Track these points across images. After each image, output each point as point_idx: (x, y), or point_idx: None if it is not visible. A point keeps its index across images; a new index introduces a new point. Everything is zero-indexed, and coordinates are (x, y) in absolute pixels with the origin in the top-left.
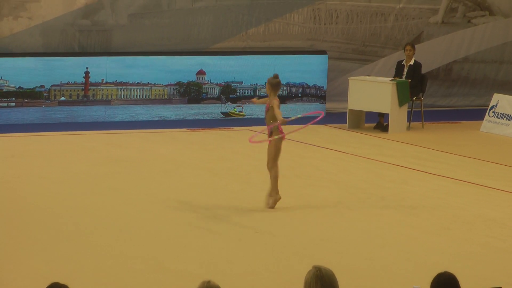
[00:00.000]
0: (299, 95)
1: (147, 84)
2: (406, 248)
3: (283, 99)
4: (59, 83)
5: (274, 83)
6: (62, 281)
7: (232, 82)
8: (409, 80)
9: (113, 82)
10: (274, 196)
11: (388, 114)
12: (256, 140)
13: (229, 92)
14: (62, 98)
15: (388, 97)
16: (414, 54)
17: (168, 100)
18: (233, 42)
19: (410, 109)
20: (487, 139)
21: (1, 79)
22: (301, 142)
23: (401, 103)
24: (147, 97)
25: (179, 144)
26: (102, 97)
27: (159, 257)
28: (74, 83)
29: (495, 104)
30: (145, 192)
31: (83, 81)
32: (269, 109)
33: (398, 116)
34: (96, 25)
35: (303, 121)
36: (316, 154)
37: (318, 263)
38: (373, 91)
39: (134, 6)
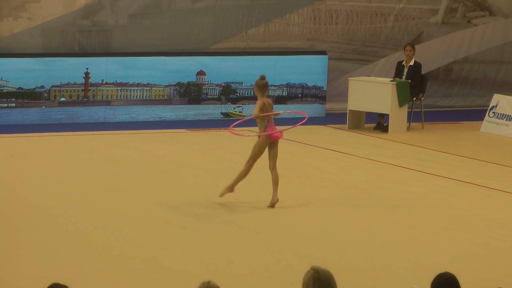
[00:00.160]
0: (299, 95)
1: (147, 85)
2: (406, 248)
3: (283, 100)
4: (59, 83)
5: (261, 85)
6: (62, 282)
7: (232, 82)
8: (409, 81)
9: (113, 82)
10: (228, 189)
11: (388, 114)
12: (236, 132)
13: (229, 93)
14: (62, 99)
15: (388, 97)
16: (414, 54)
17: (168, 101)
18: (233, 43)
19: (410, 110)
20: (487, 140)
21: (1, 79)
22: (301, 143)
23: (401, 104)
24: (147, 97)
25: (179, 145)
26: (102, 98)
27: (159, 257)
28: (74, 83)
29: (495, 104)
30: (145, 192)
31: (83, 82)
32: (272, 109)
33: (398, 116)
34: (96, 26)
35: (290, 122)
36: (316, 154)
37: (318, 263)
38: (373, 91)
39: (134, 6)
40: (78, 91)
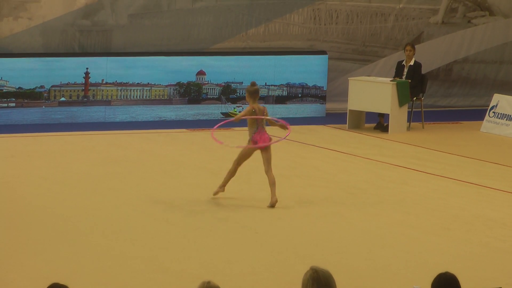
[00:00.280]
0: (299, 95)
1: (147, 85)
2: (406, 248)
3: (283, 100)
4: (59, 83)
5: (252, 91)
6: (62, 282)
7: (232, 82)
8: (409, 81)
9: (113, 82)
10: (220, 188)
11: (388, 114)
12: (217, 139)
13: (229, 93)
14: (62, 99)
15: (388, 97)
16: (414, 54)
17: (168, 101)
18: (233, 43)
19: (410, 110)
20: (487, 140)
21: (1, 79)
22: (301, 143)
23: (401, 104)
24: (147, 97)
25: (179, 145)
26: (102, 98)
27: (159, 257)
28: (74, 83)
29: (495, 104)
30: (145, 192)
31: (83, 82)
32: (264, 115)
33: (398, 116)
34: (96, 26)
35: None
36: (316, 154)
37: (318, 263)
38: (373, 91)
39: (134, 6)
40: (78, 91)
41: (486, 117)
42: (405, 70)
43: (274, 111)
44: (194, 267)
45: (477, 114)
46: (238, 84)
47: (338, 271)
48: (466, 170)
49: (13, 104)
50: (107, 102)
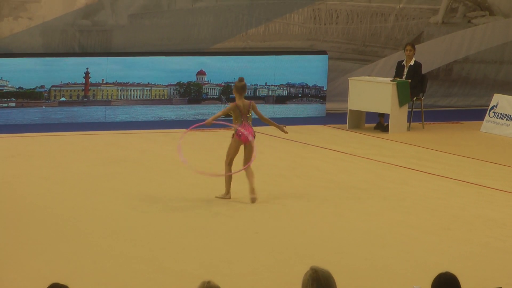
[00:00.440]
0: (299, 95)
1: (147, 85)
2: (406, 248)
3: (283, 99)
4: (59, 83)
5: (239, 87)
6: (62, 282)
7: (232, 82)
8: (410, 80)
9: (113, 82)
10: (225, 195)
11: (389, 114)
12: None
13: (229, 93)
14: (62, 99)
15: (389, 97)
16: (414, 54)
17: (168, 101)
18: (233, 42)
19: (411, 109)
20: (488, 140)
21: (1, 79)
22: (301, 143)
23: (401, 103)
24: (147, 97)
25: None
26: (102, 98)
27: (159, 257)
28: (74, 83)
29: (495, 104)
30: (145, 192)
31: (83, 82)
32: (249, 110)
33: (398, 116)
34: (96, 26)
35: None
36: (316, 154)
37: (318, 263)
38: (373, 91)
39: (134, 6)
40: (78, 91)
41: (486, 117)
42: (405, 70)
43: (274, 111)
44: (194, 267)
45: (477, 114)
46: None
47: (338, 271)
48: (466, 170)
49: (13, 104)
50: (107, 102)
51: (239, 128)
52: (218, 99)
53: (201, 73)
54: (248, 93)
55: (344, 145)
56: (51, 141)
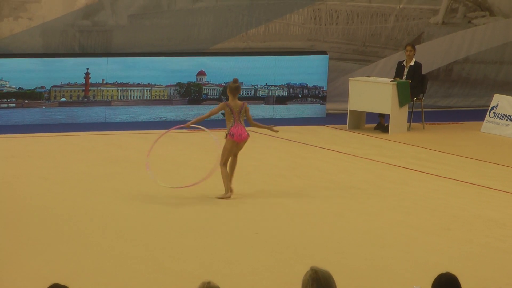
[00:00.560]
0: (300, 95)
1: (148, 85)
2: (406, 248)
3: (283, 100)
4: (60, 84)
5: (233, 88)
6: (62, 282)
7: None
8: (410, 81)
9: (113, 83)
10: (227, 194)
11: (389, 114)
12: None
13: None
14: (63, 99)
15: (389, 97)
16: (414, 54)
17: (168, 101)
18: (233, 43)
19: (411, 110)
20: (488, 140)
21: (2, 80)
22: (301, 143)
23: (401, 104)
24: (148, 98)
25: (179, 145)
26: (102, 98)
27: (159, 257)
28: (75, 84)
29: (495, 104)
30: (145, 192)
31: (84, 82)
32: (241, 111)
33: (398, 116)
34: (96, 26)
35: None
36: (317, 154)
37: (318, 263)
38: (373, 91)
39: (134, 6)
40: (78, 91)
41: (487, 117)
42: (406, 70)
43: (275, 111)
44: (194, 267)
45: (478, 115)
46: None
47: (338, 271)
48: (466, 170)
49: (14, 105)
50: (107, 103)
51: (232, 128)
52: (218, 100)
53: (201, 73)
54: (248, 94)
55: (344, 146)
56: (51, 141)
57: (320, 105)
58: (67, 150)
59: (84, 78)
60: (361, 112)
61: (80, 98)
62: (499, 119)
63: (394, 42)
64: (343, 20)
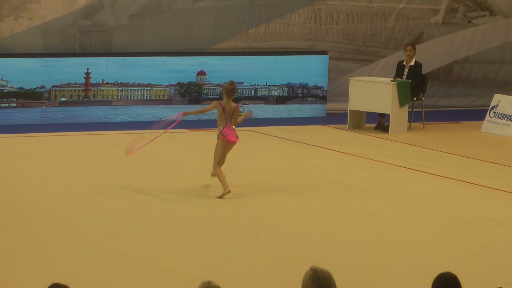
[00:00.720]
0: (300, 95)
1: (148, 85)
2: (406, 248)
3: (283, 100)
4: (60, 83)
5: (229, 89)
6: (62, 282)
7: None
8: (410, 81)
9: (113, 82)
10: (225, 192)
11: (389, 114)
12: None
13: None
14: (63, 99)
15: (389, 97)
16: (414, 54)
17: (168, 101)
18: (233, 43)
19: (411, 110)
20: (488, 140)
21: (2, 79)
22: (301, 143)
23: (401, 104)
24: (148, 97)
25: (180, 145)
26: (102, 98)
27: (159, 257)
28: (75, 83)
29: (495, 104)
30: (145, 192)
31: (84, 82)
32: (234, 113)
33: (398, 116)
34: (97, 26)
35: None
36: (317, 154)
37: (318, 263)
38: (373, 91)
39: (134, 6)
40: (78, 91)
41: (487, 117)
42: (406, 70)
43: (275, 111)
44: (194, 267)
45: (478, 114)
46: (238, 84)
47: (338, 271)
48: (466, 170)
49: (14, 104)
50: (107, 102)
51: (224, 130)
52: (218, 100)
53: (201, 73)
54: (248, 93)
55: (344, 145)
56: (51, 141)
57: (320, 105)
58: (67, 150)
59: (84, 78)
60: (361, 112)
61: (81, 98)
62: (499, 118)
63: (394, 42)
64: (343, 20)
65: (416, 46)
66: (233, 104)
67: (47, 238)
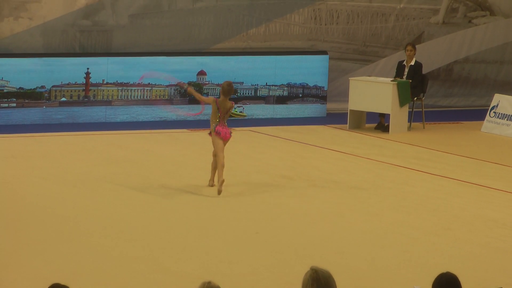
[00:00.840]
0: (300, 95)
1: (148, 85)
2: (406, 248)
3: (284, 100)
4: (60, 83)
5: (226, 89)
6: (62, 282)
7: (233, 82)
8: (410, 81)
9: (113, 82)
10: (220, 184)
11: (389, 114)
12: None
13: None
14: (63, 99)
15: (389, 97)
16: (415, 54)
17: (169, 101)
18: (233, 43)
19: (411, 110)
20: (488, 140)
21: (2, 79)
22: (301, 143)
23: (402, 104)
24: (148, 97)
25: (180, 145)
26: (102, 98)
27: (160, 257)
28: (75, 83)
29: (496, 104)
30: (145, 192)
31: (84, 82)
32: (227, 112)
33: (399, 116)
34: (97, 26)
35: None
36: (317, 154)
37: (318, 263)
38: (374, 91)
39: (134, 6)
40: (78, 91)
41: (487, 117)
42: (406, 70)
43: (275, 111)
44: (194, 267)
45: (478, 114)
46: (239, 84)
47: (338, 271)
48: (466, 170)
49: (14, 104)
50: (107, 102)
51: (217, 127)
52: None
53: (201, 73)
54: (248, 93)
55: (344, 145)
56: (51, 141)
57: (321, 105)
58: (67, 150)
59: (84, 78)
60: (361, 112)
61: (81, 98)
62: (500, 118)
63: (395, 42)
64: (343, 20)
65: (416, 46)
66: (229, 104)
67: (47, 238)
